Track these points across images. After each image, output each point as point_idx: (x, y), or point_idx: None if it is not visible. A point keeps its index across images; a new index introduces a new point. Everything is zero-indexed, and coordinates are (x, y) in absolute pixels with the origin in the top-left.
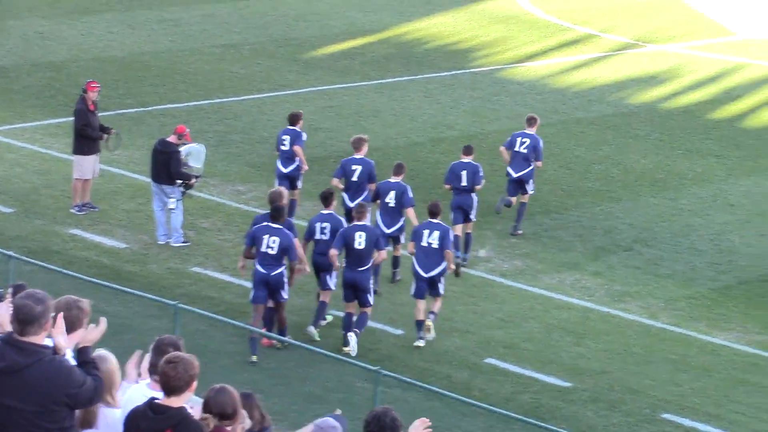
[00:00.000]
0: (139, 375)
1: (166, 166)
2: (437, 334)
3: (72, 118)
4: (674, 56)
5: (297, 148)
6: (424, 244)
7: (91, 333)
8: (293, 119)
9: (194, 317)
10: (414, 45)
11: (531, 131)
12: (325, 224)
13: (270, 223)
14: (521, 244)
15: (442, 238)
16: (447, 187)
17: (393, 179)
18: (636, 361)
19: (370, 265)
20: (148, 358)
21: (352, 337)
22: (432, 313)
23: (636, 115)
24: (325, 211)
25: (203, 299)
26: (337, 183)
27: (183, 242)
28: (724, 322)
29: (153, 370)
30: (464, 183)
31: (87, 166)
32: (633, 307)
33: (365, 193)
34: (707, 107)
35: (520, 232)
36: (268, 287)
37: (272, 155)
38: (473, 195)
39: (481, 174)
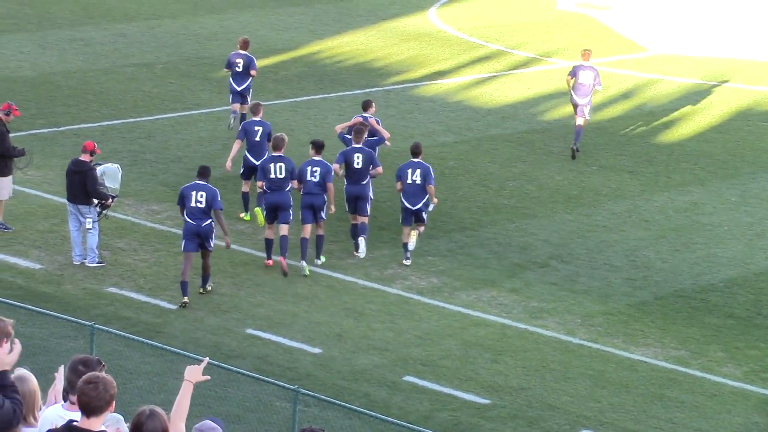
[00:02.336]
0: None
1: (82, 186)
2: (356, 351)
3: None
4: None
5: (253, 72)
6: (409, 181)
7: (7, 356)
8: (244, 45)
9: (110, 338)
10: (327, 63)
11: (589, 63)
12: (315, 168)
13: (197, 180)
14: (437, 262)
15: (425, 176)
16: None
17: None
18: (554, 377)
19: (368, 179)
20: (60, 379)
21: (361, 240)
22: (417, 230)
23: (549, 131)
24: (316, 158)
25: (119, 319)
26: (239, 144)
27: (98, 263)
28: (641, 337)
29: (70, 390)
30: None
31: (5, 186)
32: (550, 323)
33: (266, 153)
34: (620, 123)
35: (577, 149)
36: (198, 238)
37: (224, 74)
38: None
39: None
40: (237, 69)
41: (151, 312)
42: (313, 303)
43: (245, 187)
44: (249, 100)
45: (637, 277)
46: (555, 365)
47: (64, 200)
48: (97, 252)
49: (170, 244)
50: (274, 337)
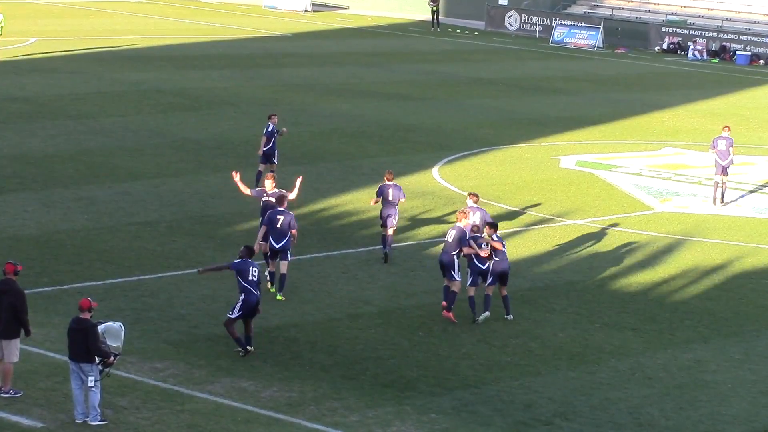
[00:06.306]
0: None
1: (84, 344)
2: None
3: None
4: (589, 230)
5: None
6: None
7: None
8: (272, 116)
9: None
10: (330, 221)
11: (726, 134)
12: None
13: (246, 259)
14: (440, 419)
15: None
16: None
17: None
18: None
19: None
20: None
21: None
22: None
23: (552, 289)
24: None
25: None
26: (264, 229)
27: (100, 421)
28: None
29: None
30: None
31: (15, 349)
32: None
33: (287, 237)
34: (623, 281)
35: (723, 202)
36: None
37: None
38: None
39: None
40: (268, 135)
41: None
42: None
43: (271, 267)
44: (275, 161)
45: None
46: None
47: (67, 358)
48: (99, 410)
49: (173, 402)
50: None
